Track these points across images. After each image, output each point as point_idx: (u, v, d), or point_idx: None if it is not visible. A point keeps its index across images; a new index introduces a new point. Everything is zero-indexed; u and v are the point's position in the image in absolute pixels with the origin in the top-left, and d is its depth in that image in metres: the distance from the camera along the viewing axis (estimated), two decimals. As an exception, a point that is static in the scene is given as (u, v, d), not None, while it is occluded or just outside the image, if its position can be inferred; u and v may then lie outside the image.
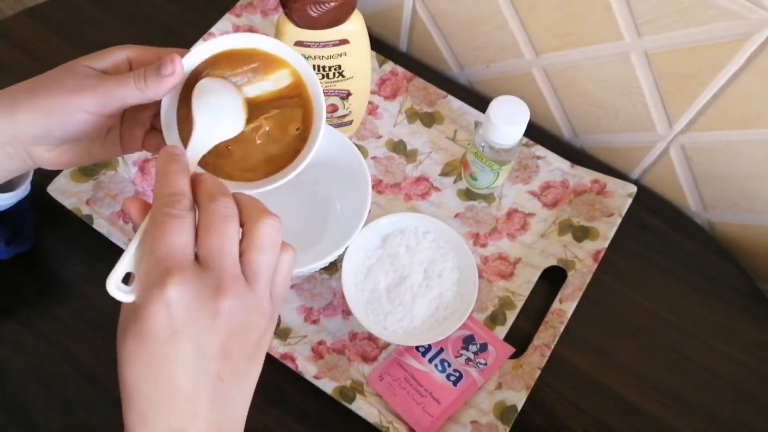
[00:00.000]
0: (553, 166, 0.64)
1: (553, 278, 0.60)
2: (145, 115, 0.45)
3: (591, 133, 0.68)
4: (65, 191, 0.59)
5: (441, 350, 0.56)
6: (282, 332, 0.57)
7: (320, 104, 0.42)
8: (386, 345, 0.57)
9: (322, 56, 0.55)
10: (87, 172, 0.60)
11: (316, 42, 0.54)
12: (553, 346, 0.55)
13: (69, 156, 0.44)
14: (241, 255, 0.34)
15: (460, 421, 0.53)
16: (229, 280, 0.33)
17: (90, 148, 0.44)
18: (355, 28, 0.54)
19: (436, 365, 0.55)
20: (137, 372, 0.32)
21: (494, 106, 0.56)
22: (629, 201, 0.62)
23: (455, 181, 0.64)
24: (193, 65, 0.41)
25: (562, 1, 0.57)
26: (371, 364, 0.56)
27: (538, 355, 0.55)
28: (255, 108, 0.42)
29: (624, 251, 0.62)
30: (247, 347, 0.35)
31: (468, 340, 0.57)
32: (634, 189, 0.62)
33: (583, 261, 0.60)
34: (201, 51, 0.41)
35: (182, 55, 0.41)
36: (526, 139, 0.64)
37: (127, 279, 0.34)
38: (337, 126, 0.63)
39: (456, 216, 0.63)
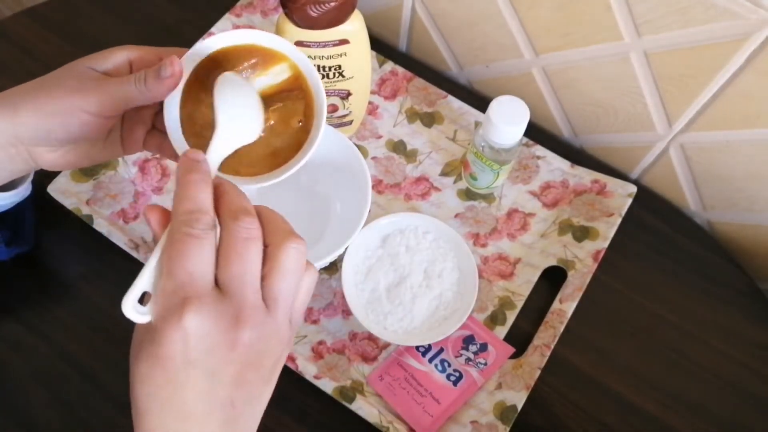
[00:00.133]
0: (553, 166, 0.64)
1: (553, 278, 0.60)
2: (146, 114, 0.45)
3: (591, 133, 0.68)
4: (65, 191, 0.59)
5: (441, 350, 0.56)
6: (282, 332, 0.57)
7: (320, 95, 0.42)
8: (386, 345, 0.57)
9: (322, 56, 0.55)
10: (87, 172, 0.60)
11: (316, 42, 0.54)
12: (553, 346, 0.55)
13: (70, 157, 0.44)
14: (263, 278, 0.33)
15: (460, 421, 0.53)
16: (249, 310, 0.32)
17: (91, 149, 0.44)
18: (355, 28, 0.54)
19: (436, 365, 0.55)
20: (149, 393, 0.32)
21: (494, 106, 0.56)
22: (629, 201, 0.62)
23: (455, 181, 0.65)
24: (193, 64, 0.41)
25: (562, 1, 0.57)
26: (371, 364, 0.56)
27: (538, 355, 0.55)
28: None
29: (624, 251, 0.62)
30: (263, 374, 0.34)
31: (468, 340, 0.57)
32: (634, 189, 0.62)
33: (583, 261, 0.60)
34: (199, 49, 0.41)
35: (181, 56, 0.41)
36: (526, 139, 0.64)
37: (142, 296, 0.34)
38: (337, 126, 0.63)
39: (456, 216, 0.63)
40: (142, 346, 0.32)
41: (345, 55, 0.56)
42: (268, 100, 0.42)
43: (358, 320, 0.55)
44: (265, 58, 0.42)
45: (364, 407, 0.52)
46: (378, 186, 0.64)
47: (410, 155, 0.66)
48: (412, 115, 0.67)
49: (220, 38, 0.42)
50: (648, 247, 0.63)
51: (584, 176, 0.64)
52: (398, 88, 0.68)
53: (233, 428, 0.34)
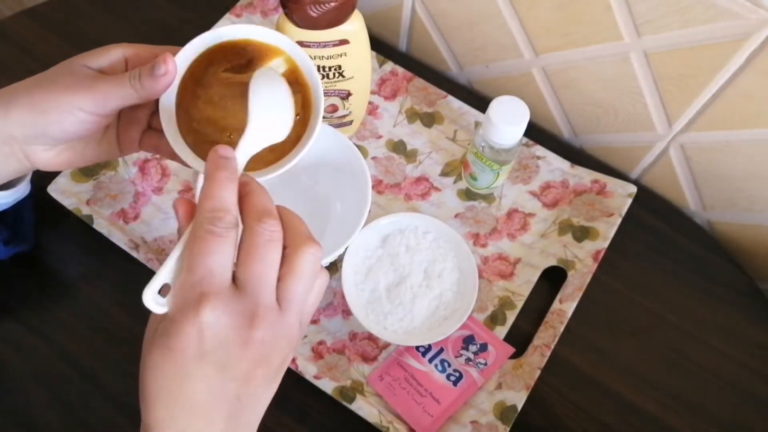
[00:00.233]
0: (553, 166, 0.64)
1: (553, 278, 0.60)
2: (142, 114, 0.45)
3: (591, 133, 0.68)
4: (65, 191, 0.59)
5: (441, 350, 0.56)
6: (282, 332, 0.57)
7: (317, 86, 0.42)
8: (386, 345, 0.57)
9: (322, 56, 0.55)
10: (87, 172, 0.60)
11: (316, 42, 0.54)
12: (553, 346, 0.55)
13: (65, 157, 0.43)
14: (279, 279, 0.34)
15: (460, 421, 0.53)
16: (264, 310, 0.33)
17: (86, 148, 0.44)
18: (355, 28, 0.54)
19: (436, 365, 0.55)
20: (159, 382, 0.33)
21: (494, 106, 0.56)
22: (629, 201, 0.62)
23: (455, 181, 0.65)
24: (187, 61, 0.41)
25: (562, 1, 0.57)
26: (371, 364, 0.56)
27: (538, 355, 0.55)
28: None
29: (624, 251, 0.62)
30: (270, 372, 0.35)
31: (468, 340, 0.57)
32: (634, 189, 0.62)
33: (583, 261, 0.60)
34: (194, 46, 0.41)
35: (175, 53, 0.41)
36: (526, 139, 0.64)
37: (162, 287, 0.34)
38: (337, 126, 0.63)
39: (456, 216, 0.63)
40: (156, 335, 0.33)
41: (345, 55, 0.56)
42: None
43: (358, 320, 0.55)
44: (261, 53, 0.42)
45: (364, 407, 0.52)
46: (378, 186, 0.64)
47: (410, 155, 0.66)
48: (412, 115, 0.67)
49: (214, 34, 0.42)
50: (648, 247, 0.63)
51: (584, 176, 0.64)
52: (398, 88, 0.68)
53: (237, 422, 0.34)
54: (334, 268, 0.59)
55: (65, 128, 0.40)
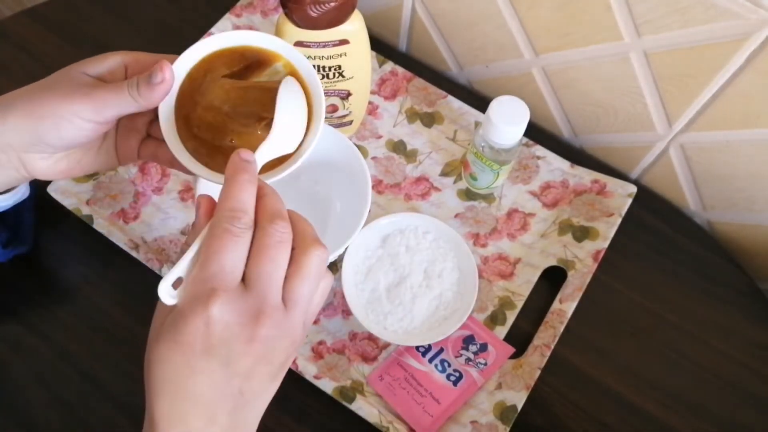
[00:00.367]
0: (553, 166, 0.64)
1: (553, 278, 0.60)
2: (140, 123, 0.45)
3: (591, 133, 0.68)
4: (65, 191, 0.59)
5: (441, 350, 0.56)
6: (282, 332, 0.57)
7: (317, 90, 0.42)
8: (386, 345, 0.57)
9: (322, 56, 0.55)
10: (87, 172, 0.60)
11: (316, 42, 0.54)
12: (553, 346, 0.55)
13: (63, 165, 0.43)
14: (285, 279, 0.35)
15: (460, 421, 0.53)
16: (270, 308, 0.34)
17: (84, 157, 0.44)
18: (355, 28, 0.54)
19: (436, 365, 0.55)
20: (165, 375, 0.34)
21: (494, 106, 0.56)
22: (629, 201, 0.62)
23: (455, 181, 0.65)
24: (185, 69, 0.41)
25: (562, 1, 0.57)
26: (371, 364, 0.56)
27: (538, 355, 0.55)
28: None
29: (624, 251, 0.62)
30: (272, 370, 0.36)
31: (468, 340, 0.57)
32: (634, 189, 0.62)
33: (583, 261, 0.60)
34: (192, 54, 0.41)
35: (173, 61, 0.41)
36: (526, 139, 0.64)
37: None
38: (337, 126, 0.63)
39: (456, 216, 0.63)
40: (163, 329, 0.34)
41: (345, 55, 0.56)
42: None
43: (358, 320, 0.55)
44: (259, 58, 0.42)
45: (364, 407, 0.52)
46: (378, 186, 0.64)
47: (410, 155, 0.66)
48: (412, 115, 0.67)
49: (212, 41, 0.42)
50: (648, 247, 0.63)
51: (584, 176, 0.64)
52: (398, 88, 0.68)
53: (238, 417, 0.35)
54: (334, 268, 0.59)
55: (62, 135, 0.40)
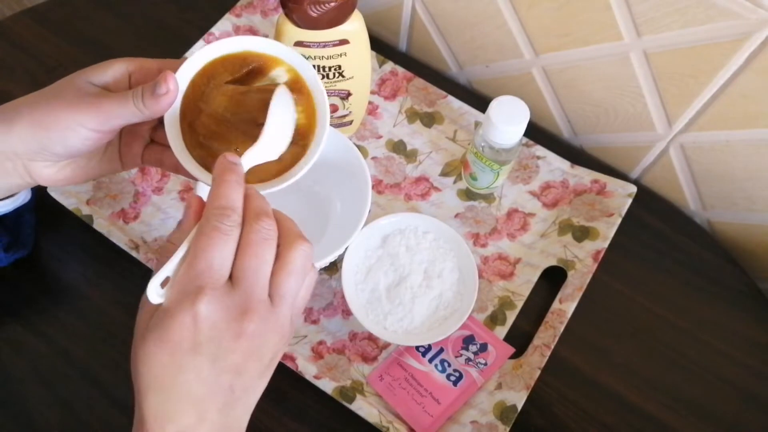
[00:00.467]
0: (553, 166, 0.64)
1: (553, 278, 0.60)
2: (144, 128, 0.45)
3: (591, 132, 0.68)
4: (65, 191, 0.59)
5: (441, 350, 0.56)
6: (282, 332, 0.57)
7: (320, 94, 0.42)
8: (386, 345, 0.57)
9: (322, 56, 0.55)
10: (87, 172, 0.60)
11: (316, 42, 0.54)
12: (553, 346, 0.55)
13: (67, 172, 0.44)
14: (271, 275, 0.35)
15: (460, 421, 0.53)
16: (256, 303, 0.35)
17: (88, 163, 0.44)
18: (355, 28, 0.54)
19: (436, 365, 0.55)
20: (153, 373, 0.34)
21: (494, 106, 0.56)
22: (629, 201, 0.62)
23: (455, 181, 0.65)
24: (189, 77, 0.41)
25: (562, 1, 0.57)
26: (371, 364, 0.56)
27: (538, 355, 0.55)
28: None
29: (624, 251, 0.62)
30: (261, 365, 0.36)
31: (468, 340, 0.57)
32: (634, 189, 0.62)
33: (583, 261, 0.60)
34: (195, 61, 0.41)
35: (177, 67, 0.41)
36: (526, 139, 0.64)
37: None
38: (337, 126, 0.63)
39: (456, 216, 0.63)
40: (149, 328, 0.34)
41: (345, 55, 0.56)
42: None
43: (358, 320, 0.55)
44: (261, 63, 0.42)
45: (364, 407, 0.52)
46: (378, 186, 0.64)
47: (410, 155, 0.66)
48: (412, 115, 0.67)
49: (214, 48, 0.42)
50: (648, 247, 0.63)
51: (584, 176, 0.64)
52: (398, 88, 0.68)
53: (229, 413, 0.35)
54: (334, 268, 0.59)
55: (68, 145, 0.40)
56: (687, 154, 0.62)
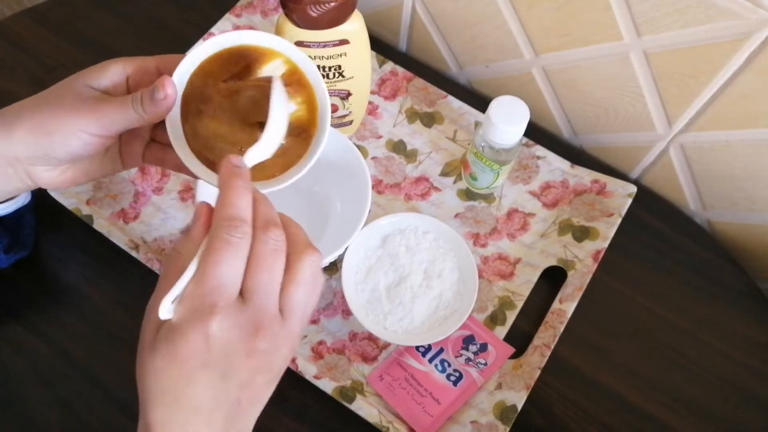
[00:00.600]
0: (553, 166, 0.64)
1: (553, 278, 0.60)
2: (143, 128, 0.45)
3: (591, 132, 0.68)
4: (65, 191, 0.59)
5: (441, 350, 0.56)
6: (282, 332, 0.57)
7: (320, 85, 0.42)
8: (386, 345, 0.57)
9: (322, 56, 0.55)
10: (87, 172, 0.60)
11: (316, 42, 0.54)
12: (553, 346, 0.55)
13: (68, 175, 0.44)
14: (281, 287, 0.35)
15: (460, 421, 0.53)
16: (269, 321, 0.34)
17: (89, 166, 0.44)
18: (355, 28, 0.54)
19: (436, 365, 0.55)
20: (162, 384, 0.33)
21: (494, 106, 0.56)
22: (629, 201, 0.62)
23: (455, 181, 0.65)
24: (186, 77, 0.41)
25: (562, 1, 0.57)
26: (371, 364, 0.56)
27: (538, 355, 0.55)
28: None
29: (624, 251, 0.62)
30: (270, 377, 0.36)
31: (468, 340, 0.57)
32: (634, 189, 0.62)
33: (583, 261, 0.60)
34: (191, 60, 0.41)
35: (175, 63, 0.41)
36: (526, 139, 0.64)
37: None
38: (337, 126, 0.63)
39: (456, 216, 0.63)
40: (158, 341, 0.34)
41: (345, 55, 0.56)
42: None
43: (358, 320, 0.55)
44: (257, 57, 0.42)
45: (364, 407, 0.52)
46: (378, 186, 0.64)
47: (410, 155, 0.66)
48: (412, 115, 0.67)
49: (208, 45, 0.41)
50: (648, 247, 0.63)
51: (584, 176, 0.64)
52: (398, 88, 0.68)
53: (235, 424, 0.35)
54: (334, 268, 0.59)
55: (70, 150, 0.40)
56: (687, 154, 0.62)
